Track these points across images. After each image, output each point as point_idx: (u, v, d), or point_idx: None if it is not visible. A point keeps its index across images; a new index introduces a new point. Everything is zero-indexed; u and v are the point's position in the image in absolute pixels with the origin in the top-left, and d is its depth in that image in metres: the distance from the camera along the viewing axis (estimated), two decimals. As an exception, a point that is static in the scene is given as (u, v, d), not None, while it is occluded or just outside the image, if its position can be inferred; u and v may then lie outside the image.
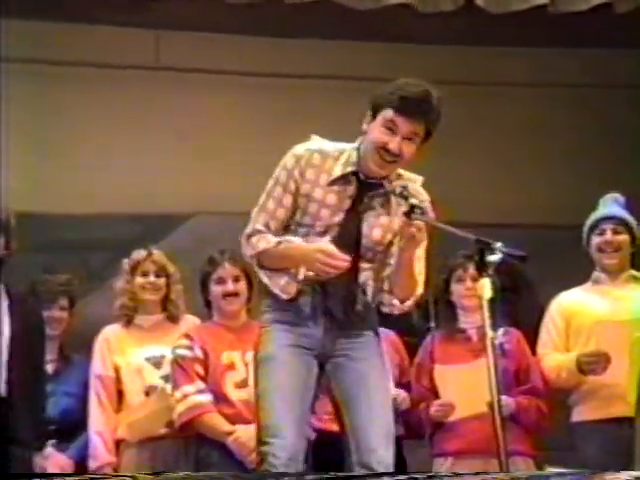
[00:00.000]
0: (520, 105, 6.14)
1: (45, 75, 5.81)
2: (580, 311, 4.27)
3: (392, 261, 3.40)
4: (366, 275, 3.38)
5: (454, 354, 4.24)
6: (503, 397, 3.46)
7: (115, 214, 4.33)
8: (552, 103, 6.11)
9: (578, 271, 4.46)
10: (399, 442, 4.23)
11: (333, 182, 3.36)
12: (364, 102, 5.65)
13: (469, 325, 4.30)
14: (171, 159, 5.92)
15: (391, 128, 3.31)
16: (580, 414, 4.26)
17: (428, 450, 4.33)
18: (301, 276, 3.31)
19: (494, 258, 3.23)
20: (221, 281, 4.23)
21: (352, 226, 3.36)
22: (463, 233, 3.39)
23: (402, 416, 4.24)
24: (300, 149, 3.44)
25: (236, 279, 4.22)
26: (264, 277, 3.40)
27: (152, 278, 4.42)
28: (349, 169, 3.37)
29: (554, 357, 4.28)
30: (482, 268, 3.26)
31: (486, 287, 3.25)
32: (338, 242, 3.29)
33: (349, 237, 3.35)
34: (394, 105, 3.30)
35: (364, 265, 3.37)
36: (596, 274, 4.39)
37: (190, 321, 4.45)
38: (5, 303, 3.78)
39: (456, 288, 4.35)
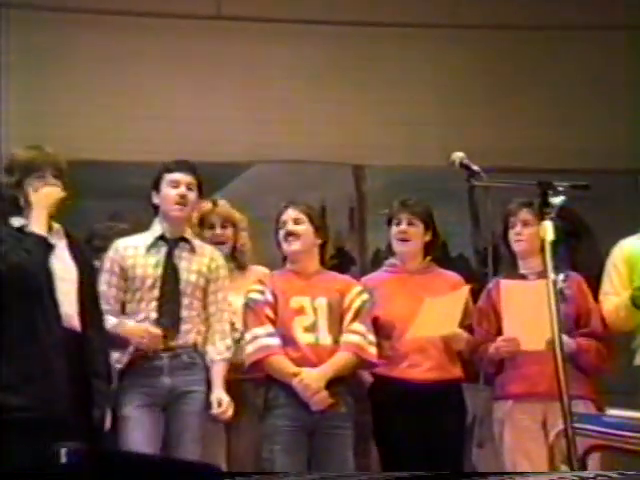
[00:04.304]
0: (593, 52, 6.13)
1: (109, 25, 5.87)
2: (642, 256, 4.25)
3: None
4: None
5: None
6: (564, 337, 3.47)
7: (169, 162, 4.39)
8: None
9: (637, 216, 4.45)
10: (459, 385, 4.32)
11: None
12: (426, 48, 5.71)
13: (529, 271, 4.29)
14: (231, 109, 5.99)
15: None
16: (644, 356, 4.25)
17: (486, 394, 4.33)
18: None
19: (557, 200, 3.25)
20: (283, 224, 4.28)
21: None
22: (524, 180, 3.40)
23: (462, 357, 4.29)
24: None
25: (296, 221, 4.26)
26: None
27: (218, 230, 4.46)
28: None
29: (612, 300, 4.27)
30: (544, 210, 3.28)
31: (548, 229, 3.27)
32: None
33: None
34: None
35: None
36: None
37: (258, 270, 4.48)
38: (64, 242, 3.86)
39: (510, 234, 4.35)
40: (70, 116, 5.70)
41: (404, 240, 4.38)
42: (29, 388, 3.55)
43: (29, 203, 3.76)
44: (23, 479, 2.08)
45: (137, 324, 4.00)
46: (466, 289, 4.21)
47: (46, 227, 3.75)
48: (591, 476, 2.51)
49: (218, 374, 4.08)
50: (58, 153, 3.87)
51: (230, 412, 4.06)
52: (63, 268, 3.77)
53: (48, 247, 3.72)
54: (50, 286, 3.69)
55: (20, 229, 3.75)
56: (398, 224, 4.39)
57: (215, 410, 4.03)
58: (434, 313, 4.17)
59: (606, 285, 4.34)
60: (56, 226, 3.88)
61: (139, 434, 3.89)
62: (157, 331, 3.96)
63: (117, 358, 3.97)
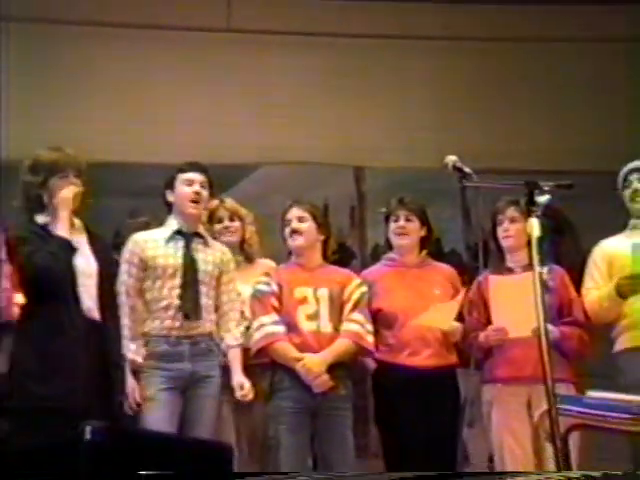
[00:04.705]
0: (572, 61, 6.19)
1: (133, 38, 5.94)
2: (621, 255, 4.25)
3: None
4: None
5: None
6: (548, 325, 3.50)
7: (182, 163, 4.45)
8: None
9: (618, 215, 4.48)
10: (454, 371, 4.36)
11: None
12: (422, 59, 5.73)
13: (516, 264, 4.32)
14: (240, 115, 6.01)
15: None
16: (622, 343, 4.26)
17: (476, 378, 4.36)
18: None
19: (543, 199, 3.28)
20: (288, 222, 4.32)
21: None
22: (511, 183, 3.45)
23: (456, 346, 4.33)
24: None
25: (300, 219, 4.29)
26: None
27: (227, 222, 4.50)
28: None
29: (595, 293, 4.29)
30: (531, 209, 3.32)
31: (535, 226, 3.31)
32: None
33: None
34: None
35: None
36: (632, 222, 4.40)
37: (265, 263, 4.52)
38: (84, 237, 3.89)
39: (498, 230, 4.38)
40: (92, 122, 5.74)
41: (402, 235, 4.42)
42: (55, 378, 3.61)
43: (53, 202, 3.79)
44: (51, 454, 2.11)
45: (130, 378, 3.95)
46: (460, 297, 4.24)
47: (69, 228, 3.78)
48: (576, 476, 2.53)
49: (236, 359, 4.13)
50: (78, 154, 3.90)
51: (252, 395, 4.09)
52: (84, 263, 3.80)
53: (71, 249, 3.75)
54: (73, 283, 3.73)
55: (44, 227, 3.78)
56: (396, 220, 4.42)
57: (238, 394, 4.07)
58: (439, 311, 4.23)
59: (588, 281, 4.36)
60: (77, 222, 3.92)
61: (161, 414, 3.92)
62: (138, 396, 3.95)
63: (134, 350, 3.99)
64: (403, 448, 4.18)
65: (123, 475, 2.08)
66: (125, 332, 3.97)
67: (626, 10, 6.14)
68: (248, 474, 2.35)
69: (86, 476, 2.03)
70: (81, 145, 4.11)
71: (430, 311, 4.20)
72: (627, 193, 4.37)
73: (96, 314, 3.78)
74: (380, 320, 4.32)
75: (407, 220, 4.41)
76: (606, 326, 4.32)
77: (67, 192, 3.78)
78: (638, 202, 4.35)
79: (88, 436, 2.06)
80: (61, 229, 3.76)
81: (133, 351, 3.96)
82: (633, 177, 4.36)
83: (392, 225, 4.43)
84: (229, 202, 4.57)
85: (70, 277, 3.71)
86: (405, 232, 4.41)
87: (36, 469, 2.09)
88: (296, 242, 4.28)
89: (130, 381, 3.93)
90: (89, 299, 3.76)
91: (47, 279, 3.66)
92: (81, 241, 3.87)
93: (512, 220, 4.31)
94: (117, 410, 3.76)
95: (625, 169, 4.41)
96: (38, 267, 3.65)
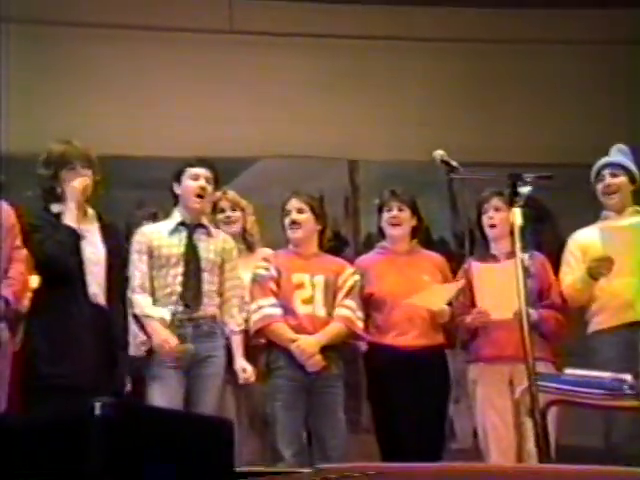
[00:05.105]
0: (554, 62, 6.20)
1: (143, 39, 5.97)
2: (593, 243, 4.26)
3: None
4: None
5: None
6: (528, 308, 3.50)
7: (191, 158, 4.44)
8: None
9: (593, 206, 4.50)
10: (442, 350, 4.37)
11: None
12: (413, 58, 5.74)
13: (499, 251, 4.33)
14: (240, 111, 6.01)
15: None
16: (594, 325, 4.27)
17: (462, 358, 4.38)
18: None
19: (525, 190, 3.29)
20: (287, 212, 4.32)
21: None
22: (496, 173, 3.45)
23: (443, 326, 4.33)
24: None
25: (299, 211, 4.30)
26: None
27: (229, 212, 4.49)
28: None
29: (570, 277, 4.31)
30: (514, 199, 3.32)
31: (517, 215, 3.32)
32: None
33: None
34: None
35: None
36: (604, 213, 4.41)
37: (265, 252, 4.50)
38: (96, 226, 3.90)
39: (483, 219, 4.38)
40: (101, 117, 5.74)
41: (395, 224, 4.42)
42: (64, 360, 3.63)
43: (64, 192, 3.80)
44: (62, 429, 2.11)
45: (163, 329, 3.97)
46: (460, 283, 4.24)
47: (77, 218, 3.78)
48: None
49: (238, 344, 4.13)
50: (86, 146, 3.90)
51: (254, 377, 4.11)
52: (93, 251, 3.82)
53: (78, 238, 3.76)
54: (81, 270, 3.73)
55: (57, 216, 3.79)
56: (389, 210, 4.42)
57: (241, 378, 4.08)
58: (433, 292, 4.23)
59: (564, 267, 4.37)
60: (90, 211, 3.93)
61: (166, 392, 3.93)
62: (175, 342, 3.96)
63: (142, 341, 3.99)
64: (394, 424, 4.19)
65: (132, 449, 2.08)
66: (144, 304, 3.98)
67: (601, 14, 6.15)
68: (251, 474, 2.35)
69: (97, 451, 2.03)
70: (89, 140, 4.10)
71: (425, 292, 4.21)
72: (600, 187, 4.38)
73: (102, 299, 3.79)
74: (371, 304, 4.33)
75: (399, 210, 4.41)
76: (581, 309, 4.33)
77: (75, 183, 3.79)
78: (610, 196, 4.36)
79: (98, 411, 2.05)
80: (69, 218, 3.77)
81: (160, 311, 3.98)
82: (605, 172, 4.37)
83: (385, 215, 4.43)
84: (231, 194, 4.56)
85: (77, 264, 3.72)
86: (398, 222, 4.41)
87: (46, 444, 2.09)
88: (295, 234, 4.29)
89: (164, 332, 3.93)
90: (96, 285, 3.78)
91: (55, 266, 3.68)
92: (92, 230, 3.88)
93: (496, 209, 4.32)
94: (121, 389, 3.77)
95: (598, 164, 4.42)
96: (47, 254, 3.67)
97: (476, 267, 4.21)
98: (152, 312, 3.98)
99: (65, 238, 3.72)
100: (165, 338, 3.94)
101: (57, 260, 3.69)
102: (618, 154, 4.43)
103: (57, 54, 5.82)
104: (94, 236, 3.88)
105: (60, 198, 3.83)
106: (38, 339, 3.65)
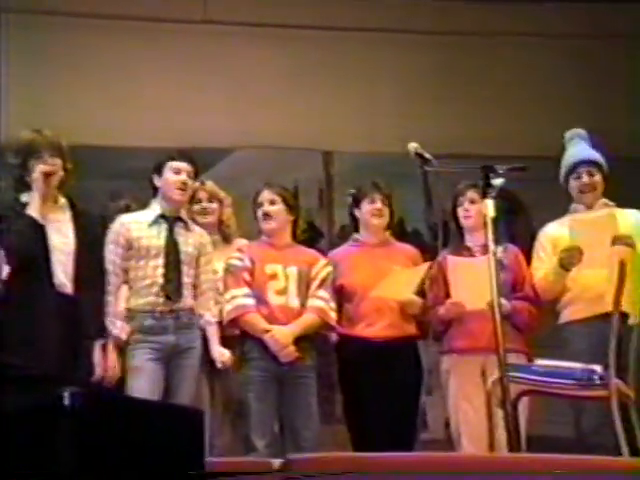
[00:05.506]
0: (525, 54, 6.21)
1: (113, 28, 5.91)
2: (563, 236, 4.26)
3: None
4: None
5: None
6: (501, 300, 3.51)
7: (168, 148, 4.41)
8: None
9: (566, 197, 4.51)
10: (415, 343, 4.37)
11: None
12: (387, 50, 5.75)
13: (473, 243, 4.34)
14: (216, 102, 5.98)
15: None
16: (568, 316, 4.28)
17: (434, 349, 4.38)
18: None
19: (498, 181, 3.30)
20: (260, 204, 4.31)
21: None
22: (469, 165, 3.46)
23: (416, 318, 4.33)
24: None
25: (271, 202, 4.29)
26: None
27: (205, 204, 4.47)
28: None
29: (542, 270, 4.31)
30: (487, 190, 3.33)
31: (490, 207, 3.32)
32: None
33: None
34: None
35: None
36: (574, 206, 4.41)
37: (241, 243, 4.49)
38: (68, 215, 3.87)
39: (458, 211, 4.39)
40: (76, 107, 5.70)
41: (379, 216, 4.42)
42: (26, 349, 3.59)
43: (32, 182, 3.77)
44: (30, 419, 2.09)
45: (112, 354, 3.92)
46: (425, 265, 4.24)
47: (42, 207, 3.74)
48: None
49: (214, 334, 4.13)
50: (55, 135, 3.85)
51: (230, 362, 4.11)
52: (63, 241, 3.78)
53: (39, 227, 3.71)
54: (46, 258, 3.69)
55: (25, 205, 3.76)
56: (372, 202, 4.42)
57: (219, 362, 4.08)
58: (396, 280, 4.23)
59: (536, 261, 4.37)
60: (62, 200, 3.89)
61: (145, 383, 3.92)
62: (116, 373, 3.92)
63: (120, 327, 3.97)
64: (364, 415, 4.20)
65: (101, 439, 2.07)
66: (110, 309, 3.95)
67: (579, 7, 6.18)
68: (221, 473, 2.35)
69: (66, 441, 2.02)
70: (62, 129, 4.05)
71: (390, 280, 4.20)
72: (576, 184, 4.38)
73: (68, 289, 3.75)
74: (343, 295, 4.34)
75: (382, 202, 4.41)
76: (554, 301, 4.33)
77: (41, 171, 3.75)
78: (586, 195, 4.36)
79: (67, 401, 2.04)
80: (32, 208, 3.74)
81: (119, 327, 3.95)
82: (582, 170, 4.37)
83: (368, 207, 4.42)
84: (209, 185, 4.54)
85: (41, 253, 3.68)
86: (382, 213, 4.42)
87: (14, 436, 2.06)
88: (268, 225, 4.29)
89: (112, 357, 3.91)
90: (63, 275, 3.74)
91: (16, 255, 3.64)
92: (63, 219, 3.84)
93: (472, 202, 4.33)
94: (86, 379, 3.74)
95: (572, 160, 4.41)
96: (8, 244, 3.64)
97: (451, 261, 4.21)
98: (111, 325, 3.93)
99: (25, 228, 3.69)
100: (110, 367, 3.91)
101: (18, 250, 3.65)
102: (583, 145, 4.44)
103: (31, 43, 5.76)
104: (64, 225, 3.84)
105: (30, 187, 3.79)
106: (2, 329, 3.61)
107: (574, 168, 4.38)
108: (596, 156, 4.41)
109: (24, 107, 5.44)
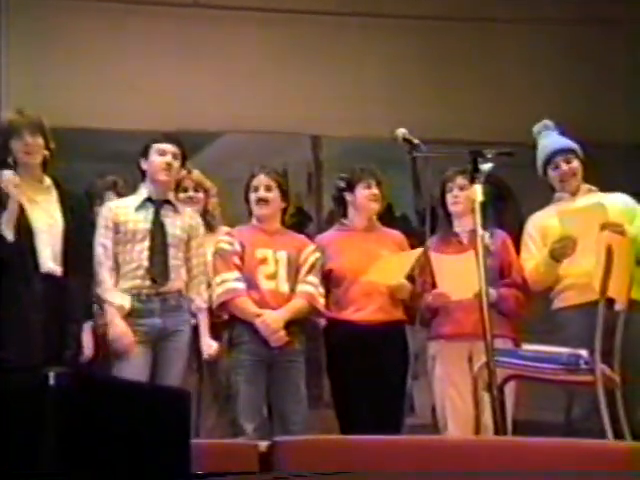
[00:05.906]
0: (516, 40, 6.20)
1: (102, 11, 5.87)
2: (551, 225, 4.26)
3: None
4: None
5: (449, 251, 4.29)
6: (488, 287, 3.50)
7: (157, 131, 4.39)
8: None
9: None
10: (403, 328, 4.37)
11: None
12: (377, 35, 5.72)
13: (461, 229, 4.34)
14: (205, 85, 5.96)
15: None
16: (560, 302, 4.26)
17: (421, 335, 4.38)
18: None
19: (486, 166, 3.29)
20: (255, 189, 4.29)
21: None
22: (457, 150, 3.45)
23: (405, 305, 4.33)
24: None
25: (267, 188, 4.28)
26: None
27: (191, 193, 4.45)
28: None
29: (532, 262, 4.30)
30: (475, 175, 3.32)
31: (478, 192, 3.32)
32: None
33: None
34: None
35: None
36: (558, 194, 4.41)
37: (226, 231, 4.47)
38: (54, 195, 3.83)
39: (447, 197, 4.39)
40: (66, 89, 5.67)
41: (376, 200, 4.42)
42: (10, 341, 3.55)
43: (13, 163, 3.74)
44: (15, 400, 2.07)
45: (121, 322, 3.94)
46: (419, 250, 4.23)
47: (24, 188, 3.69)
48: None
49: (204, 322, 4.14)
50: (37, 115, 3.81)
51: (218, 354, 4.12)
52: (47, 222, 3.73)
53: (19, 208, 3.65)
54: (30, 241, 3.65)
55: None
56: (369, 187, 4.41)
57: (206, 353, 4.09)
58: (388, 265, 4.23)
59: (524, 253, 4.36)
60: (47, 181, 3.85)
61: (133, 366, 3.91)
62: (131, 340, 3.94)
63: (121, 296, 3.98)
64: (352, 399, 4.19)
65: (87, 420, 2.06)
66: (106, 286, 3.96)
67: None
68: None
69: (52, 421, 2.00)
70: (53, 111, 4.03)
71: (381, 264, 4.20)
72: (555, 174, 4.38)
73: (57, 270, 3.72)
74: (331, 280, 4.33)
75: (377, 188, 4.41)
76: (547, 290, 4.32)
77: (21, 152, 3.72)
78: (568, 182, 4.37)
79: (52, 381, 2.02)
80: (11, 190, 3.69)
81: (120, 297, 3.95)
82: (558, 159, 4.37)
83: (365, 192, 4.41)
84: (196, 173, 4.53)
85: (26, 235, 3.64)
86: (377, 198, 4.42)
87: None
88: (262, 211, 4.27)
89: (121, 325, 3.91)
90: (50, 256, 3.70)
91: None
92: (49, 199, 3.81)
93: (461, 188, 4.33)
94: (71, 363, 3.72)
95: (547, 151, 4.40)
96: None
97: (435, 257, 4.18)
98: (111, 298, 3.95)
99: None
100: (121, 333, 3.92)
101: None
102: (555, 135, 4.44)
103: (24, 26, 5.72)
104: (51, 205, 3.81)
105: (14, 169, 3.75)
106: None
107: (550, 159, 4.39)
108: (569, 143, 4.42)
109: (13, 90, 5.40)
